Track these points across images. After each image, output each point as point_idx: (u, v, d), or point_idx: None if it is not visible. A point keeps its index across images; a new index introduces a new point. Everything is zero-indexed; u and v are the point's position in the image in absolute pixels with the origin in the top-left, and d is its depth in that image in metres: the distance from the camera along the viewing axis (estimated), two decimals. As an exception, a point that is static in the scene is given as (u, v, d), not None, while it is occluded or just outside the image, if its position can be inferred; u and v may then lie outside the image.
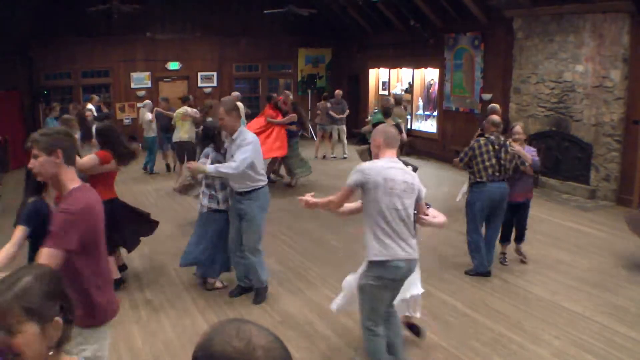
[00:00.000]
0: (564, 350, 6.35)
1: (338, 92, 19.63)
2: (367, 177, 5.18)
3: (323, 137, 19.56)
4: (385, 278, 5.22)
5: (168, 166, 17.39)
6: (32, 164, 3.87)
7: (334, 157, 18.85)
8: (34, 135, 3.92)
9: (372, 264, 5.24)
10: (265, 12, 19.60)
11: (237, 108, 7.60)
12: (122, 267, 8.65)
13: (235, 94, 16.26)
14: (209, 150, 8.06)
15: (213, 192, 8.00)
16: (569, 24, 13.27)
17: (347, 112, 19.28)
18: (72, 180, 3.92)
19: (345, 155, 18.89)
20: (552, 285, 8.27)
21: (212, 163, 7.71)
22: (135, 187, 14.81)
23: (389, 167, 5.26)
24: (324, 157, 19.17)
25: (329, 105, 19.05)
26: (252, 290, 7.95)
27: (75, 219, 3.73)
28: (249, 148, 7.28)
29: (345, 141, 19.34)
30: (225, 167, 7.30)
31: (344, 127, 19.33)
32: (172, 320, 7.25)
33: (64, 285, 2.44)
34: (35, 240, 4.69)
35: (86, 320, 3.86)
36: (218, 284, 8.30)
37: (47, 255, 3.61)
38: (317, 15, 20.78)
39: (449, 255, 9.68)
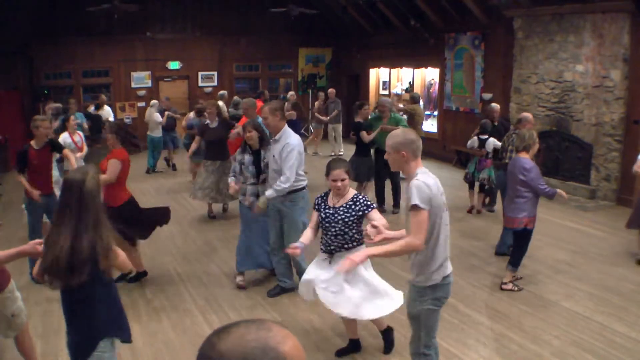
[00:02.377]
0: (564, 350, 6.36)
1: (331, 91, 19.60)
2: (431, 194, 4.66)
3: (317, 136, 19.68)
4: (444, 298, 5.05)
5: (168, 163, 17.49)
6: None
7: (333, 155, 18.74)
8: None
9: (433, 287, 4.94)
10: (270, 10, 19.57)
11: (281, 108, 7.65)
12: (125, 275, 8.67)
13: (291, 93, 16.66)
14: (240, 156, 8.18)
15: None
16: (569, 24, 13.27)
17: (336, 112, 19.20)
18: None
19: (340, 152, 18.90)
20: (552, 285, 8.27)
21: (248, 166, 8.04)
22: (134, 185, 14.79)
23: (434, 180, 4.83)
24: (314, 153, 19.24)
25: (321, 104, 19.20)
26: (292, 290, 7.90)
27: None
28: (294, 155, 7.38)
29: (340, 139, 19.43)
30: (280, 186, 7.42)
31: (339, 126, 19.39)
32: (172, 321, 7.26)
33: None
34: None
35: None
36: (239, 280, 8.33)
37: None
38: (318, 14, 20.78)
39: (450, 256, 9.63)
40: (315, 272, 6.10)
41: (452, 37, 17.69)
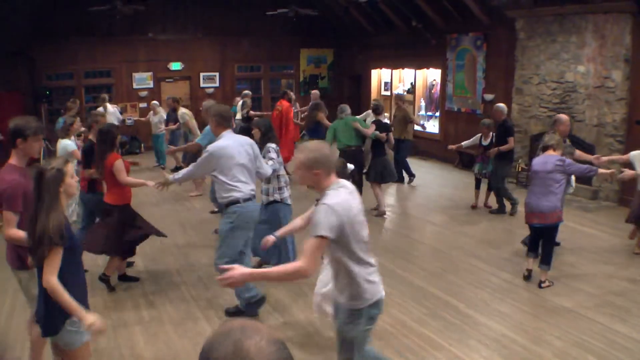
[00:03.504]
0: (566, 351, 6.36)
1: (314, 92, 19.33)
2: (342, 219, 4.26)
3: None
4: (377, 315, 4.77)
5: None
6: None
7: None
8: None
9: (368, 306, 4.61)
10: (272, 11, 19.57)
11: (219, 114, 7.27)
12: (123, 277, 8.68)
13: (315, 91, 17.30)
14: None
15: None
16: (571, 25, 13.26)
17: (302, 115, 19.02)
18: None
19: None
20: (554, 286, 8.26)
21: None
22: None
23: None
24: None
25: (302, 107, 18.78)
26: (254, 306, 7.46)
27: None
28: (204, 157, 7.07)
29: None
30: (179, 174, 7.47)
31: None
32: (174, 322, 7.25)
33: None
34: None
35: None
36: None
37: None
38: (319, 15, 20.77)
39: (452, 256, 9.67)
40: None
41: (453, 37, 17.69)
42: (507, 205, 12.05)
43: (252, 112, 17.33)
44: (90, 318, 4.36)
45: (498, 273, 8.81)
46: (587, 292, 8.06)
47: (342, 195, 4.39)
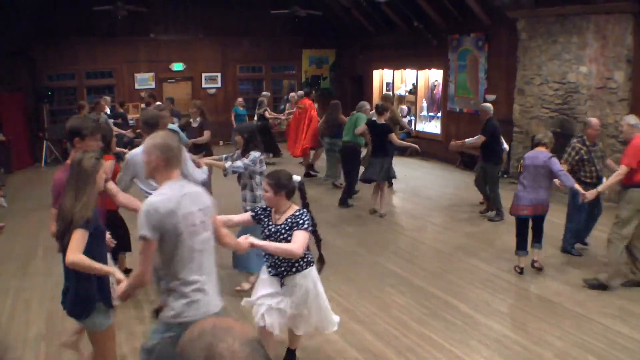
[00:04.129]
0: (567, 351, 6.36)
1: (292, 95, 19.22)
2: (163, 218, 4.07)
3: None
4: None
5: None
6: None
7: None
8: None
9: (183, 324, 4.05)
10: (273, 11, 19.57)
11: (142, 121, 7.47)
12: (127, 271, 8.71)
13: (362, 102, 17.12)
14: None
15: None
16: (573, 25, 13.26)
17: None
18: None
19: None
20: (556, 287, 8.26)
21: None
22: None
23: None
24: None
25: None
26: None
27: None
28: (123, 165, 7.18)
29: None
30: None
31: None
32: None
33: None
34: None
35: None
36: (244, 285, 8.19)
37: None
38: (321, 16, 20.77)
39: (453, 257, 9.67)
40: (265, 291, 5.68)
41: (455, 38, 17.69)
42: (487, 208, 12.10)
43: (268, 114, 17.42)
44: (120, 274, 4.59)
45: (499, 273, 8.80)
46: (589, 292, 8.04)
47: (171, 193, 4.16)
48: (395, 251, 9.98)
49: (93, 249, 4.56)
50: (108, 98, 18.04)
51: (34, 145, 19.08)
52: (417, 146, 13.26)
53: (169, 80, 21.72)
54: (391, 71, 21.58)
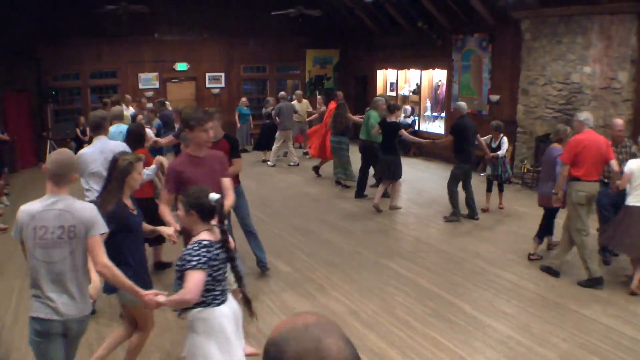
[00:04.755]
0: (571, 353, 6.36)
1: (339, 92, 19.49)
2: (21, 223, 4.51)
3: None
4: (37, 332, 4.65)
5: None
6: None
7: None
8: None
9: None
10: (277, 11, 19.59)
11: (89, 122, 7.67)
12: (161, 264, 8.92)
13: (339, 92, 17.59)
14: None
15: None
16: (577, 25, 13.24)
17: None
18: None
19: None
20: (560, 288, 8.26)
21: None
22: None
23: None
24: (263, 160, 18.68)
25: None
26: None
27: None
28: None
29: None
30: None
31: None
32: (178, 319, 7.25)
33: None
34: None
35: None
36: None
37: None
38: (325, 16, 20.77)
39: (457, 257, 9.66)
40: None
41: (459, 38, 17.68)
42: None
43: (274, 114, 17.47)
44: (144, 293, 4.74)
45: (503, 274, 8.80)
46: (593, 294, 8.04)
47: (32, 204, 4.50)
48: (399, 251, 9.98)
49: (128, 244, 5.13)
50: (129, 97, 17.93)
51: (38, 144, 19.12)
52: (428, 140, 13.27)
53: (172, 80, 21.73)
54: (395, 71, 21.57)
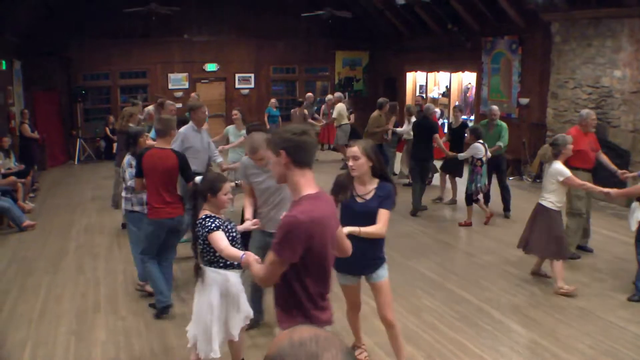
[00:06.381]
0: (597, 359, 6.31)
1: (309, 95, 19.48)
2: None
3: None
4: None
5: None
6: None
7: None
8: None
9: None
10: (307, 13, 19.63)
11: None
12: None
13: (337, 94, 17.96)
14: (130, 158, 8.09)
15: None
16: (607, 28, 13.14)
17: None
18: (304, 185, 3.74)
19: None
20: (587, 294, 8.20)
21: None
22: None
23: None
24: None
25: (305, 111, 18.66)
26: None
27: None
28: None
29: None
30: None
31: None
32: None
33: None
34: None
35: None
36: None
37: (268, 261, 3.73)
38: (354, 18, 20.81)
39: (484, 261, 9.63)
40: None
41: (489, 41, 17.61)
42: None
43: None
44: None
45: (530, 279, 8.76)
46: (620, 300, 7.98)
47: None
48: (427, 254, 9.96)
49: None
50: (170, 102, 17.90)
51: (67, 143, 19.34)
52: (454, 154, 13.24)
53: (202, 81, 21.90)
54: (424, 73, 21.56)
